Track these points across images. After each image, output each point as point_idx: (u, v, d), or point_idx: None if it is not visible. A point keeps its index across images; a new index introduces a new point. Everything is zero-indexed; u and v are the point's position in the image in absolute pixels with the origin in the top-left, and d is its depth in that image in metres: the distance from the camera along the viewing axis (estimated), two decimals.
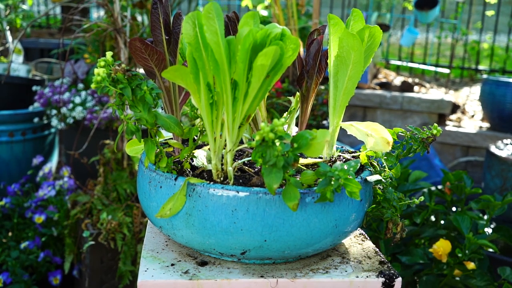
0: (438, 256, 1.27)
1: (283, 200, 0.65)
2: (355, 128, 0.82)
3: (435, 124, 0.83)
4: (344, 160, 0.87)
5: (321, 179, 0.66)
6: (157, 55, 0.76)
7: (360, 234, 0.91)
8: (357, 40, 0.73)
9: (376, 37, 0.79)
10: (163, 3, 0.79)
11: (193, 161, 0.81)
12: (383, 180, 0.79)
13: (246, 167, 0.81)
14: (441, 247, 1.27)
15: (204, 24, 0.65)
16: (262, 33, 0.65)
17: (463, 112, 3.50)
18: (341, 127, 0.84)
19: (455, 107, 3.44)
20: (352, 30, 0.81)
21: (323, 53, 0.84)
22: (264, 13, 2.77)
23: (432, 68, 4.33)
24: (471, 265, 1.25)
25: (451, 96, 3.63)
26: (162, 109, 0.81)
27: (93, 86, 0.67)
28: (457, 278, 1.28)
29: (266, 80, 0.68)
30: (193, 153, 0.80)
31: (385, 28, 4.02)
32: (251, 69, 0.66)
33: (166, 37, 0.80)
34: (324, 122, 2.39)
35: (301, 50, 2.29)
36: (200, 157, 0.81)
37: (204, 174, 0.77)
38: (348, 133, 0.84)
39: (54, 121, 2.33)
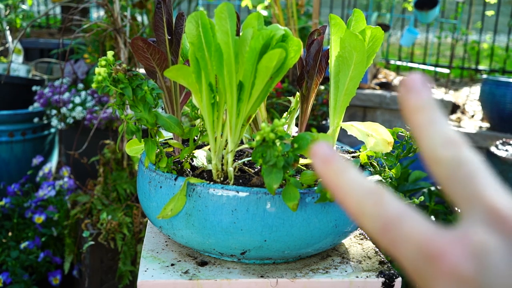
0: None
1: (283, 200, 0.65)
2: (355, 128, 0.82)
3: None
4: None
5: (321, 179, 0.66)
6: (159, 55, 0.76)
7: (360, 234, 0.91)
8: (360, 41, 0.73)
9: (378, 38, 0.79)
10: (167, 3, 0.79)
11: (193, 161, 0.81)
12: (383, 180, 0.79)
13: (246, 167, 0.81)
14: None
15: (216, 23, 0.65)
16: (267, 34, 0.65)
17: (463, 112, 3.50)
18: (341, 127, 0.84)
19: (455, 107, 3.44)
20: (353, 31, 0.81)
21: (323, 53, 0.84)
22: (264, 13, 2.77)
23: (432, 68, 4.33)
24: None
25: (451, 96, 3.63)
26: (162, 109, 0.81)
27: (93, 85, 0.67)
28: None
29: (268, 81, 0.68)
30: (193, 153, 0.81)
31: (385, 28, 4.02)
32: (256, 71, 0.66)
33: (169, 37, 0.80)
34: (324, 122, 2.39)
35: (301, 50, 2.29)
36: (200, 157, 0.81)
37: (204, 174, 0.77)
38: (348, 133, 0.84)
39: (54, 121, 2.33)
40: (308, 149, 0.30)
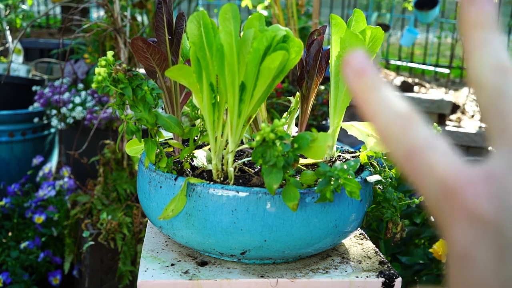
0: (438, 256, 1.27)
1: (283, 200, 0.65)
2: (355, 128, 0.82)
3: (435, 124, 0.83)
4: (344, 160, 0.87)
5: (320, 179, 0.66)
6: (159, 55, 0.76)
7: (360, 234, 0.91)
8: (360, 41, 0.73)
9: (378, 38, 0.79)
10: (167, 3, 0.79)
11: (193, 161, 0.81)
12: (383, 180, 0.79)
13: (246, 167, 0.81)
14: (441, 247, 1.27)
15: (220, 24, 0.65)
16: (270, 36, 0.65)
17: (463, 112, 3.50)
18: (341, 127, 0.84)
19: (455, 107, 3.44)
20: (353, 31, 0.81)
21: (324, 53, 0.84)
22: (264, 13, 2.77)
23: (432, 68, 4.33)
24: None
25: (451, 96, 3.63)
26: (162, 109, 0.81)
27: (93, 85, 0.67)
28: None
29: (270, 82, 0.69)
30: (193, 153, 0.81)
31: (385, 28, 4.02)
32: (258, 72, 0.66)
33: (169, 37, 0.80)
34: (324, 122, 2.39)
35: (302, 50, 2.28)
36: (200, 157, 0.81)
37: (204, 174, 0.77)
38: (348, 133, 0.84)
39: (54, 121, 2.33)
40: (344, 61, 0.28)
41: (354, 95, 0.28)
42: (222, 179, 0.74)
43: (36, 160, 2.32)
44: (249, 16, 0.68)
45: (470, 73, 0.26)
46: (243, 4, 2.93)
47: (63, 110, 2.27)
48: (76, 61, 2.70)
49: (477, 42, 0.26)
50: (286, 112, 0.93)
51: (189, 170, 0.78)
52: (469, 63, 0.26)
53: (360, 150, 0.85)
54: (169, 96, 0.82)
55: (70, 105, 2.26)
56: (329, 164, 0.83)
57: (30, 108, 2.50)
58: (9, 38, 2.82)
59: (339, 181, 0.65)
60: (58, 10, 5.06)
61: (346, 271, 0.76)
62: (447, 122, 3.27)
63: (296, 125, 0.93)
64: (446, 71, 4.20)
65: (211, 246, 0.72)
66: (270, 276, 0.73)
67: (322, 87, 2.46)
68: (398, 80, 3.83)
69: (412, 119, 0.26)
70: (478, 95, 0.26)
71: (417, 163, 0.25)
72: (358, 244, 0.86)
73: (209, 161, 0.79)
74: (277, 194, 0.68)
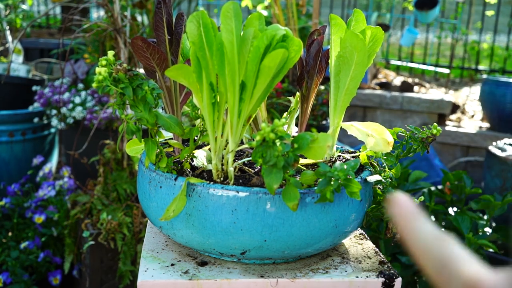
0: None
1: (283, 200, 0.65)
2: (355, 128, 0.82)
3: (435, 124, 0.83)
4: (344, 160, 0.87)
5: (321, 179, 0.66)
6: (159, 55, 0.76)
7: (360, 234, 0.91)
8: (361, 40, 0.73)
9: (378, 38, 0.79)
10: (167, 3, 0.80)
11: (193, 161, 0.81)
12: (383, 180, 0.79)
13: (246, 167, 0.81)
14: None
15: (222, 22, 0.65)
16: (270, 34, 0.65)
17: (463, 112, 3.50)
18: (341, 127, 0.84)
19: (455, 107, 3.44)
20: (353, 31, 0.81)
21: (323, 53, 0.84)
22: (264, 13, 2.77)
23: (432, 68, 4.34)
24: None
25: (451, 96, 3.63)
26: (162, 109, 0.81)
27: (94, 85, 0.67)
28: None
29: (270, 81, 0.69)
30: (193, 153, 0.81)
31: (385, 28, 4.02)
32: (258, 71, 0.66)
33: (168, 37, 0.80)
34: (324, 122, 2.39)
35: (301, 50, 2.28)
36: (200, 157, 0.81)
37: (204, 174, 0.77)
38: (348, 133, 0.84)
39: (54, 121, 2.33)
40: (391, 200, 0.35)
41: (399, 225, 0.34)
42: (222, 179, 0.74)
43: (36, 160, 2.32)
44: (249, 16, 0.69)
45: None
46: (243, 4, 2.93)
47: (63, 110, 2.27)
48: (76, 61, 2.71)
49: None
50: (286, 112, 0.93)
51: (189, 170, 0.78)
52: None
53: (360, 150, 0.85)
54: (169, 96, 0.82)
55: (70, 105, 2.26)
56: (329, 164, 0.83)
57: (30, 108, 2.50)
58: (9, 38, 2.82)
59: (339, 181, 0.65)
60: (58, 10, 5.06)
61: (346, 271, 0.76)
62: (447, 122, 3.27)
63: (296, 125, 0.93)
64: (446, 71, 4.20)
65: (211, 246, 0.72)
66: (270, 276, 0.73)
67: (322, 87, 2.47)
68: (398, 80, 3.83)
69: (445, 240, 0.32)
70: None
71: (447, 272, 0.30)
72: (358, 244, 0.86)
73: (209, 161, 0.79)
74: (277, 194, 0.68)
